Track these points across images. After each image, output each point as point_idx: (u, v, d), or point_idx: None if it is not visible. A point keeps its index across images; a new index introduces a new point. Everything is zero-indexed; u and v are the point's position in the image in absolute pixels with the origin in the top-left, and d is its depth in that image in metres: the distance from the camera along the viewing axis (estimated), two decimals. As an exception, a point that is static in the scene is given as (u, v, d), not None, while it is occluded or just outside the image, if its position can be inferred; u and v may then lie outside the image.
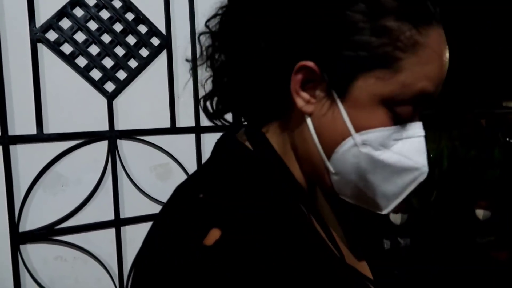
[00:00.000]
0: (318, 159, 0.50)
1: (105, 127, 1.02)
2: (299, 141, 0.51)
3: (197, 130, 1.13)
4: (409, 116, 0.46)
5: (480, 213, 3.53)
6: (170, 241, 0.43)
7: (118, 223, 1.04)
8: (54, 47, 0.96)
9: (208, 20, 0.53)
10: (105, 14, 1.01)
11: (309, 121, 0.48)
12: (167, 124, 1.10)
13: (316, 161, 0.50)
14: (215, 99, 0.55)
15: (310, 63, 0.45)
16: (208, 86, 0.54)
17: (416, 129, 0.48)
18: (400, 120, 0.46)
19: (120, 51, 1.03)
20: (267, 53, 0.46)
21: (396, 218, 3.58)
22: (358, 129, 0.46)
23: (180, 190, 0.52)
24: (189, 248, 0.41)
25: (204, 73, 0.58)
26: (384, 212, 0.53)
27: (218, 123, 0.58)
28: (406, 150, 0.48)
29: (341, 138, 0.47)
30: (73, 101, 0.99)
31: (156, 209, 1.09)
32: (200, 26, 1.10)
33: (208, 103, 0.54)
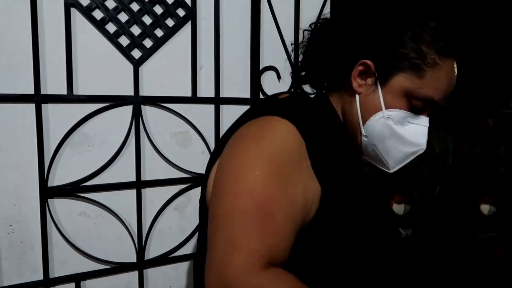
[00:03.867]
0: (356, 123, 0.75)
1: (130, 92, 1.07)
2: (348, 108, 0.77)
3: (217, 101, 1.18)
4: (420, 109, 0.71)
5: (485, 208, 3.56)
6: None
7: (139, 184, 1.09)
8: (86, 12, 1.00)
9: (311, 24, 0.84)
10: (135, -17, 1.05)
11: (357, 97, 0.74)
12: (188, 93, 1.14)
13: (354, 124, 0.76)
14: (303, 73, 0.87)
15: (369, 62, 0.72)
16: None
17: (424, 121, 0.73)
18: (414, 110, 0.71)
19: (147, 20, 1.07)
20: (345, 50, 0.74)
21: (399, 209, 3.62)
22: (387, 107, 0.71)
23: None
24: (271, 100, 0.78)
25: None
26: (391, 171, 0.76)
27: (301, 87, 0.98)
28: (414, 131, 0.72)
29: (375, 111, 0.72)
30: (102, 65, 1.04)
31: (175, 174, 1.14)
32: (224, 1, 1.15)
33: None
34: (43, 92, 0.97)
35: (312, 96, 0.87)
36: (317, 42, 0.81)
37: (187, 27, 1.13)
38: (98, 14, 1.02)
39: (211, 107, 1.18)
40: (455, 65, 0.72)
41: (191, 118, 1.15)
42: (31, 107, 0.96)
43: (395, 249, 0.94)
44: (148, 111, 1.10)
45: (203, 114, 1.17)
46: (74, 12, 1.00)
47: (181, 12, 1.11)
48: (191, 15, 1.12)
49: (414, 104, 0.71)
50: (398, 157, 0.74)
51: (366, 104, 0.73)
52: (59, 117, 1.00)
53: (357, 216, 0.75)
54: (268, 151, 0.60)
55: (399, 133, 0.71)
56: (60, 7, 0.97)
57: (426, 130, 0.72)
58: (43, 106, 0.98)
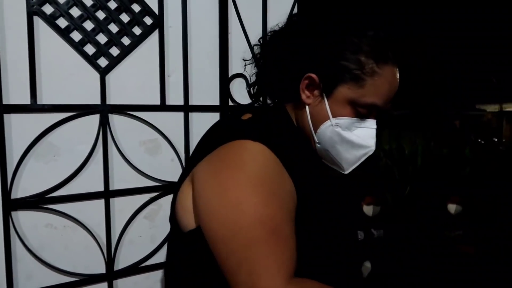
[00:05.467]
0: (309, 131, 0.81)
1: (97, 101, 1.06)
2: (301, 118, 0.82)
3: (186, 108, 1.18)
4: (366, 115, 0.76)
5: (452, 207, 3.68)
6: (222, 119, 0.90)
7: (107, 194, 1.08)
8: (50, 20, 0.99)
9: (260, 39, 0.90)
10: (100, -9, 1.04)
11: (307, 108, 0.79)
12: (157, 101, 1.14)
13: (308, 132, 0.81)
14: (256, 87, 0.91)
15: (313, 75, 0.76)
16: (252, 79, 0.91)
17: (370, 123, 0.78)
18: (360, 115, 0.76)
19: (113, 28, 1.07)
20: (291, 65, 0.79)
21: (368, 210, 3.70)
22: (334, 116, 0.76)
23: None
24: (235, 121, 0.78)
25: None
26: (346, 172, 0.82)
27: (253, 101, 0.97)
28: (362, 134, 0.77)
29: (324, 120, 0.77)
30: (67, 74, 1.02)
31: (144, 182, 1.14)
32: (191, 9, 1.16)
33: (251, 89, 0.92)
34: (5, 102, 0.95)
35: (271, 106, 0.91)
36: (266, 57, 0.85)
37: (155, 35, 1.13)
38: (62, 23, 1.00)
39: (180, 114, 1.18)
40: (396, 71, 0.76)
41: (160, 126, 1.14)
42: (-7, 117, 0.93)
43: (359, 249, 1.01)
44: (116, 120, 1.09)
45: (172, 122, 1.17)
46: (37, 20, 0.98)
47: (148, 20, 1.11)
48: (159, 23, 1.12)
49: (360, 111, 0.75)
50: (351, 160, 0.80)
51: (316, 114, 0.78)
52: (23, 127, 0.98)
53: (327, 215, 0.80)
54: (256, 175, 0.64)
55: (348, 138, 0.77)
56: (23, 15, 0.96)
57: (373, 132, 0.78)
58: (6, 116, 0.95)
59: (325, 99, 0.76)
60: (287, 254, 0.62)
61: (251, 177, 0.64)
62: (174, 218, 0.79)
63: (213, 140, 0.74)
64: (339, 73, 0.74)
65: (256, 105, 0.98)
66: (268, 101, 0.95)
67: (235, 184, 0.64)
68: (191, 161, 0.77)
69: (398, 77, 0.77)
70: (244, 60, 0.92)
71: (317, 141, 0.80)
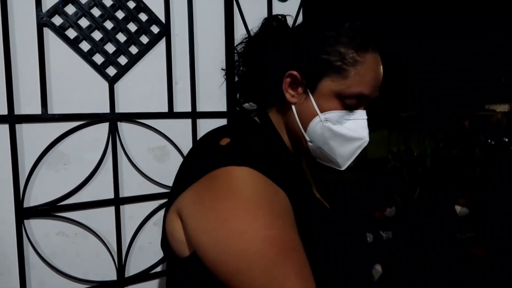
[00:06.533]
0: (299, 131, 0.79)
1: (106, 109, 1.07)
2: (289, 119, 0.80)
3: (193, 115, 1.19)
4: (355, 106, 0.74)
5: (458, 209, 3.67)
6: (199, 146, 0.77)
7: (117, 201, 1.09)
8: (59, 31, 1.00)
9: (236, 45, 0.90)
10: (108, 1, 1.06)
11: (293, 107, 0.78)
12: (165, 108, 1.15)
13: (298, 133, 0.80)
14: (238, 93, 0.92)
15: (295, 72, 0.76)
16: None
17: (361, 114, 0.75)
18: (349, 107, 0.74)
19: (121, 37, 1.08)
20: (272, 66, 0.79)
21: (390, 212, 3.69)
22: (322, 111, 0.74)
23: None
24: (210, 149, 0.71)
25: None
26: (343, 168, 0.79)
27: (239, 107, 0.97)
28: (354, 126, 0.75)
29: (312, 117, 0.76)
30: (77, 83, 1.04)
31: (153, 189, 1.15)
32: (197, 17, 1.17)
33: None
34: (16, 112, 0.97)
35: (251, 118, 0.86)
36: (246, 63, 0.85)
37: (162, 43, 1.14)
38: (71, 33, 1.02)
39: (188, 121, 1.19)
40: (378, 57, 0.75)
41: (168, 133, 1.15)
42: (5, 127, 0.95)
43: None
44: (125, 128, 1.10)
45: (180, 129, 1.18)
46: (47, 32, 1.00)
47: (155, 29, 1.12)
48: (165, 31, 1.13)
49: (347, 103, 0.73)
50: (345, 154, 0.77)
51: (303, 112, 0.77)
52: (34, 137, 1.00)
53: (329, 223, 0.79)
54: (251, 199, 0.61)
55: (339, 132, 0.74)
56: (33, 27, 0.97)
57: (365, 122, 0.75)
58: (17, 126, 0.97)
59: (310, 95, 0.75)
60: (306, 267, 0.62)
61: (247, 203, 0.61)
62: (166, 245, 0.76)
63: (195, 169, 0.70)
64: (320, 66, 0.73)
65: (238, 114, 0.97)
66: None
67: (233, 214, 0.61)
68: (174, 191, 0.73)
69: (381, 63, 0.76)
70: (222, 69, 0.94)
71: (308, 139, 0.78)
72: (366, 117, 0.75)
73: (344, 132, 0.74)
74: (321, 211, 0.79)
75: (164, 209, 0.78)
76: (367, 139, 0.75)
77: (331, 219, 0.80)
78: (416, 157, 5.44)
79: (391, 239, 3.58)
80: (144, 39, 1.12)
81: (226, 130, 0.77)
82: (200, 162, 0.70)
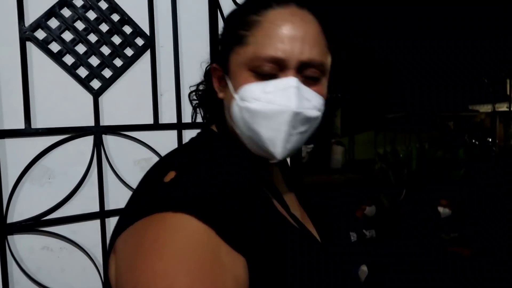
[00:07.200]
0: (234, 128, 0.65)
1: (90, 122, 1.07)
2: (230, 122, 0.67)
3: (179, 126, 1.19)
4: (272, 74, 0.60)
5: (440, 210, 3.75)
6: (143, 183, 0.63)
7: (103, 214, 1.09)
8: (43, 45, 1.00)
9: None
10: (91, 15, 1.06)
11: (225, 103, 0.66)
12: (150, 120, 1.15)
13: (235, 131, 0.66)
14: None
15: (214, 64, 0.67)
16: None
17: (283, 83, 0.59)
18: (264, 77, 0.60)
19: (106, 50, 1.08)
20: (206, 71, 0.74)
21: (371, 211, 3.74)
22: (236, 90, 0.62)
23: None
24: (153, 185, 0.59)
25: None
26: (279, 158, 0.62)
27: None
28: (274, 98, 0.59)
29: (231, 103, 0.63)
30: (60, 97, 1.03)
31: (139, 201, 1.14)
32: (182, 29, 1.17)
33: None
34: (-1, 127, 0.96)
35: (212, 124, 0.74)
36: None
37: (147, 55, 1.14)
38: (55, 47, 1.02)
39: (173, 133, 1.19)
40: (287, 12, 0.61)
41: (154, 145, 1.16)
42: (-13, 143, 0.94)
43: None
44: (110, 140, 1.10)
45: (165, 140, 1.18)
46: (30, 46, 0.99)
47: (139, 41, 1.13)
48: (150, 43, 1.14)
49: (259, 71, 0.60)
50: (271, 136, 0.60)
51: (228, 102, 0.65)
52: (17, 151, 0.99)
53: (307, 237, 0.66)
54: (174, 258, 0.49)
55: (258, 110, 0.59)
56: (16, 41, 0.97)
57: (288, 91, 0.59)
58: (0, 141, 0.96)
59: (227, 78, 0.64)
60: None
61: (169, 261, 0.49)
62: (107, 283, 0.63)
63: (134, 209, 0.58)
64: (225, 45, 0.65)
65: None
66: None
67: (153, 276, 0.48)
68: (115, 229, 0.60)
69: (295, 16, 0.61)
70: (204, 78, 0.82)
71: (238, 132, 0.64)
72: (293, 84, 0.59)
73: (263, 108, 0.59)
74: (303, 243, 0.64)
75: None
76: (292, 107, 0.58)
77: (315, 250, 0.65)
78: (402, 159, 5.55)
79: (374, 237, 3.65)
80: (129, 52, 1.12)
81: (176, 157, 0.65)
82: (140, 202, 0.59)
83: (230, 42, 0.63)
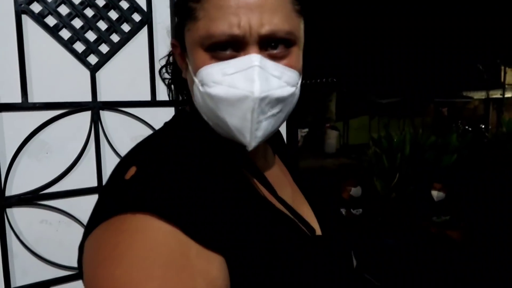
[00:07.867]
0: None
1: (87, 98, 1.07)
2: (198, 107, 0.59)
3: (176, 103, 1.20)
4: (228, 53, 0.51)
5: (435, 194, 3.81)
6: (109, 180, 0.54)
7: (100, 189, 1.10)
8: (38, 19, 0.99)
9: None
10: (88, -11, 1.05)
11: (189, 84, 0.58)
12: (147, 97, 1.15)
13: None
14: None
15: (173, 40, 0.60)
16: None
17: (244, 62, 0.51)
18: (221, 58, 0.51)
19: (102, 25, 1.08)
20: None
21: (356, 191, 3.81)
22: (194, 73, 0.54)
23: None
24: (115, 183, 0.52)
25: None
26: (250, 147, 0.54)
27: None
28: (235, 81, 0.51)
29: (193, 87, 0.56)
30: (57, 72, 1.03)
31: (137, 177, 1.15)
32: (179, 4, 1.17)
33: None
34: (-4, 101, 0.96)
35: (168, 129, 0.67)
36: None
37: (144, 31, 1.14)
38: (51, 21, 1.01)
39: (171, 109, 1.19)
40: None
41: (151, 121, 1.16)
42: (-15, 116, 0.94)
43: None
44: (107, 116, 1.10)
45: (163, 117, 1.17)
46: (26, 19, 0.98)
47: (137, 17, 1.12)
48: (147, 19, 1.13)
49: (216, 51, 0.52)
50: (240, 126, 0.52)
51: (190, 83, 0.57)
52: (14, 126, 0.99)
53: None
54: (136, 267, 0.43)
55: (219, 96, 0.51)
56: (11, 14, 0.96)
57: (251, 71, 0.50)
58: (-3, 115, 0.96)
59: (186, 58, 0.57)
60: None
61: (131, 273, 0.43)
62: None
63: (98, 210, 0.51)
64: (178, 24, 0.57)
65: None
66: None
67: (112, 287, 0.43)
68: (84, 231, 0.52)
69: None
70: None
71: (205, 118, 0.57)
72: (255, 62, 0.50)
73: (223, 93, 0.51)
74: (290, 230, 0.58)
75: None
76: (254, 92, 0.49)
77: (304, 237, 0.59)
78: (396, 144, 5.59)
79: (361, 214, 3.75)
80: (126, 27, 1.11)
81: (141, 149, 0.57)
82: (103, 202, 0.52)
83: (182, 16, 0.55)
